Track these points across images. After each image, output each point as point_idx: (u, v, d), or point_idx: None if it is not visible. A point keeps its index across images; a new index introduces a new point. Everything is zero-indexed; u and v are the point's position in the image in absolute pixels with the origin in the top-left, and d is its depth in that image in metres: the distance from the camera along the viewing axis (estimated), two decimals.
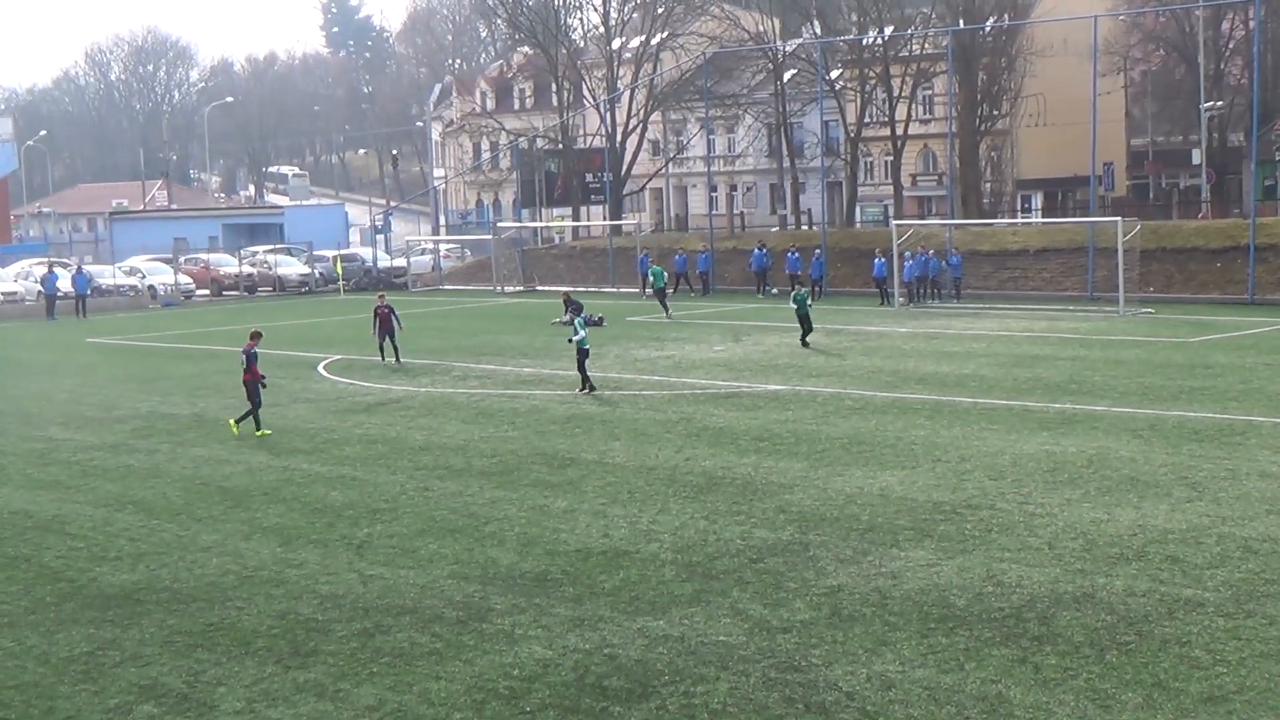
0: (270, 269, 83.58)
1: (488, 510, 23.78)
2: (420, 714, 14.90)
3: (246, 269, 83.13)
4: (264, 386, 32.63)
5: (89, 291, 71.84)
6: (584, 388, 36.26)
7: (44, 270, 74.57)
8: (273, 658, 16.85)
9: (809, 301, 46.61)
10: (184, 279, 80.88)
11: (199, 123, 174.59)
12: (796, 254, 67.67)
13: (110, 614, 18.86)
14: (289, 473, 27.64)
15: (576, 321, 37.37)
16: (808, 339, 45.60)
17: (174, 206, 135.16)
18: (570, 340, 37.09)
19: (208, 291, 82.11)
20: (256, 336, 33.55)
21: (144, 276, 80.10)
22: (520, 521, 22.92)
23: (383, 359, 44.08)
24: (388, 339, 44.03)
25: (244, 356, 32.70)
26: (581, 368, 36.54)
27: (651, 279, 62.10)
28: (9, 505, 25.78)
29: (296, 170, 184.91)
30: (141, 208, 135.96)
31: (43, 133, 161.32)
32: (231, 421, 32.46)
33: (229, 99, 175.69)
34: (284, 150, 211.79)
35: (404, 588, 19.47)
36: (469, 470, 27.25)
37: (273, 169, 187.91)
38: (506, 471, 26.99)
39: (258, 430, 31.99)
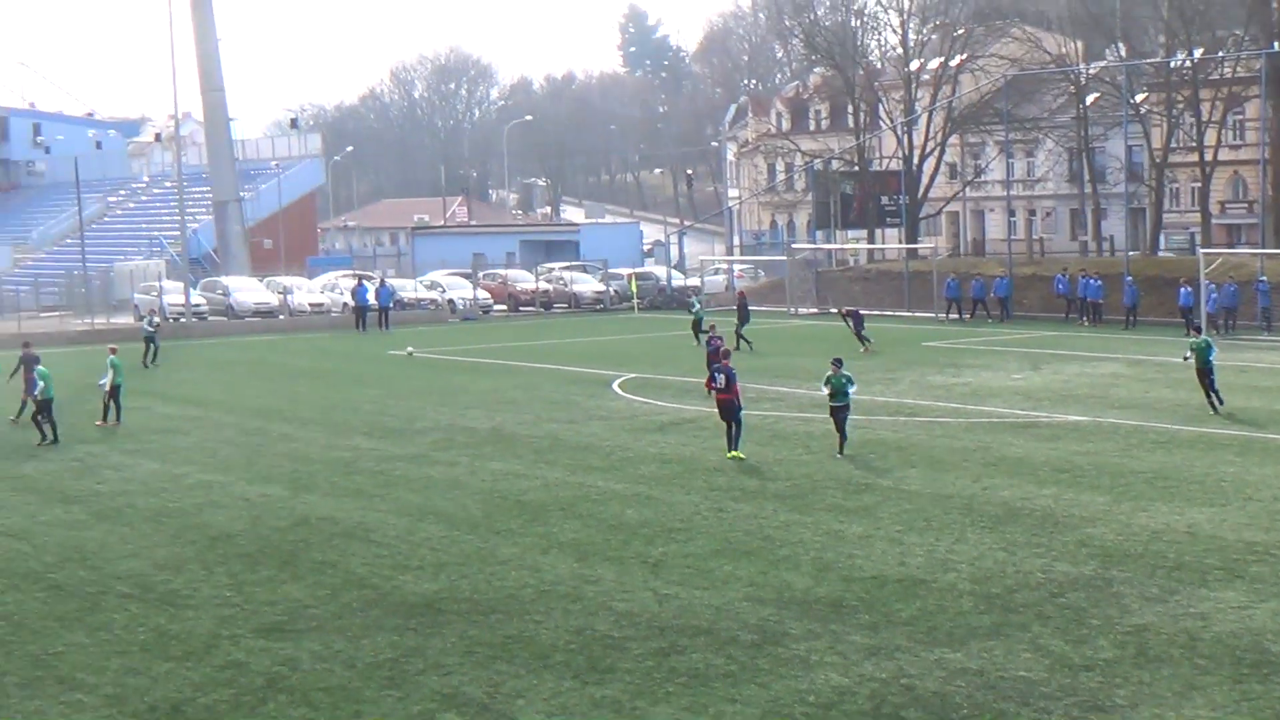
0: (566, 286, 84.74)
1: (782, 533, 23.71)
2: None
3: (543, 285, 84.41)
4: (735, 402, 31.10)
5: (392, 304, 73.75)
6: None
7: (352, 283, 76.74)
8: (570, 672, 17.02)
9: (1212, 354, 36.41)
10: (482, 294, 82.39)
11: (498, 140, 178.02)
12: (1098, 281, 66.16)
13: (413, 622, 19.27)
14: (585, 489, 27.93)
15: (841, 378, 31.18)
16: (1217, 402, 36.20)
17: (473, 222, 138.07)
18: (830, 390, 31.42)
19: (505, 307, 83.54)
20: (727, 354, 33.64)
21: (444, 290, 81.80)
22: (815, 546, 22.79)
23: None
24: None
25: (721, 375, 31.13)
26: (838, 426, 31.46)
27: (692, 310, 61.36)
28: (316, 512, 26.56)
29: (541, 181, 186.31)
30: (442, 223, 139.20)
31: (349, 149, 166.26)
32: (730, 452, 30.92)
33: (528, 117, 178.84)
34: (580, 168, 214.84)
35: (699, 608, 19.51)
36: (763, 493, 27.21)
37: (527, 181, 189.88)
38: (801, 495, 26.88)
39: (730, 452, 30.95)
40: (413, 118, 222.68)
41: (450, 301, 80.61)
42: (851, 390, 31.40)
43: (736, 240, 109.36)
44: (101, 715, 16.07)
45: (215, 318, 78.00)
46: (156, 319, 58.80)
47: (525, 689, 16.49)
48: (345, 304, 76.41)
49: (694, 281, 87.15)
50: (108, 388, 38.67)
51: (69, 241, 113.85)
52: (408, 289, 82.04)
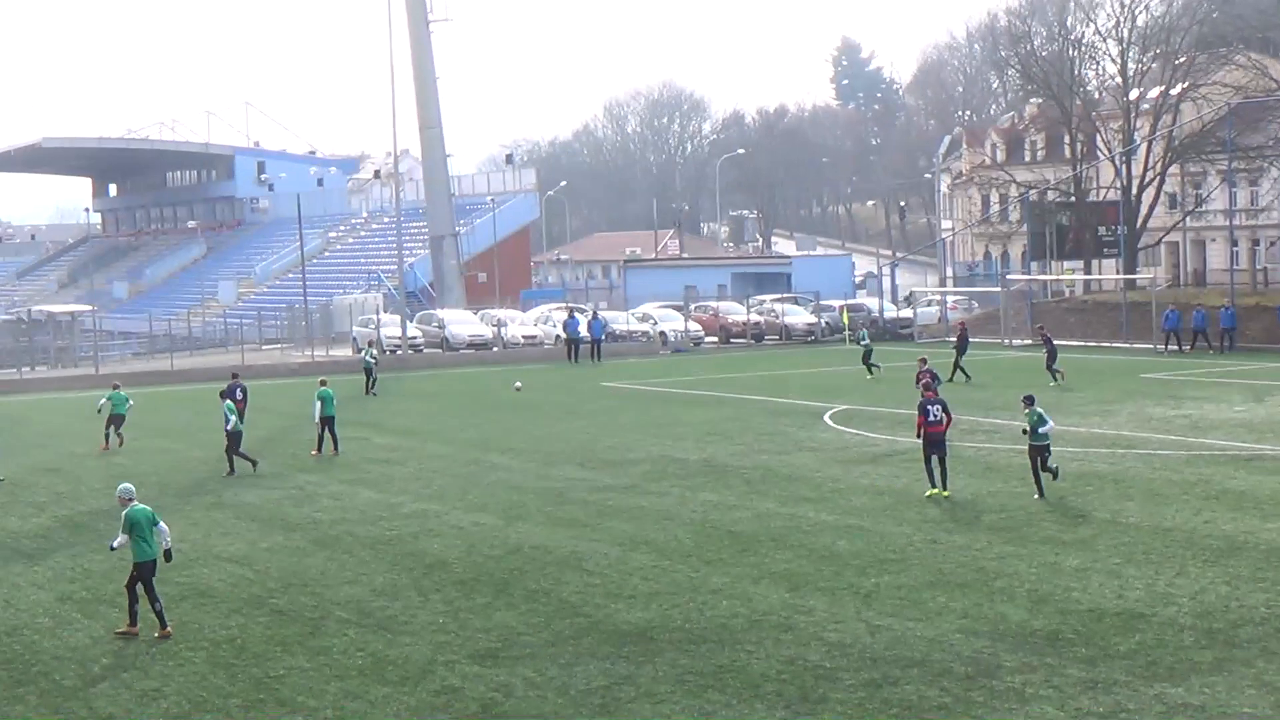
0: (778, 318, 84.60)
1: (997, 565, 23.39)
2: None
3: (754, 317, 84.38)
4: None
5: (604, 336, 74.31)
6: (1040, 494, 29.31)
7: (564, 315, 77.52)
8: (782, 703, 16.97)
9: None
10: (694, 326, 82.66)
11: (710, 174, 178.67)
12: None
13: (625, 650, 19.36)
14: (796, 520, 27.83)
15: (1034, 415, 29.48)
16: None
17: (684, 255, 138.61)
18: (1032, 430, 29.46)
19: (716, 339, 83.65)
20: (928, 387, 31.42)
21: (655, 323, 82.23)
22: (1030, 578, 22.45)
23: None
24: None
25: (935, 407, 29.75)
26: (1035, 468, 29.69)
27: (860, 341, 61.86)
28: (529, 540, 26.82)
29: (752, 214, 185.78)
30: (653, 256, 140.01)
31: (563, 183, 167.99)
32: (935, 490, 29.72)
33: (740, 150, 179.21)
34: (792, 201, 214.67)
35: (912, 640, 19.33)
36: (978, 524, 26.89)
37: (738, 214, 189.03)
38: (1016, 527, 26.50)
39: (935, 490, 29.73)
40: (625, 152, 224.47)
41: (662, 334, 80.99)
42: (1045, 428, 29.18)
43: (949, 271, 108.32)
44: None
45: (431, 350, 79.37)
46: (375, 351, 60.13)
47: (736, 718, 16.47)
48: (558, 336, 77.18)
49: (906, 313, 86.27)
50: (317, 419, 39.54)
51: (290, 276, 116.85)
52: (619, 321, 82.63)
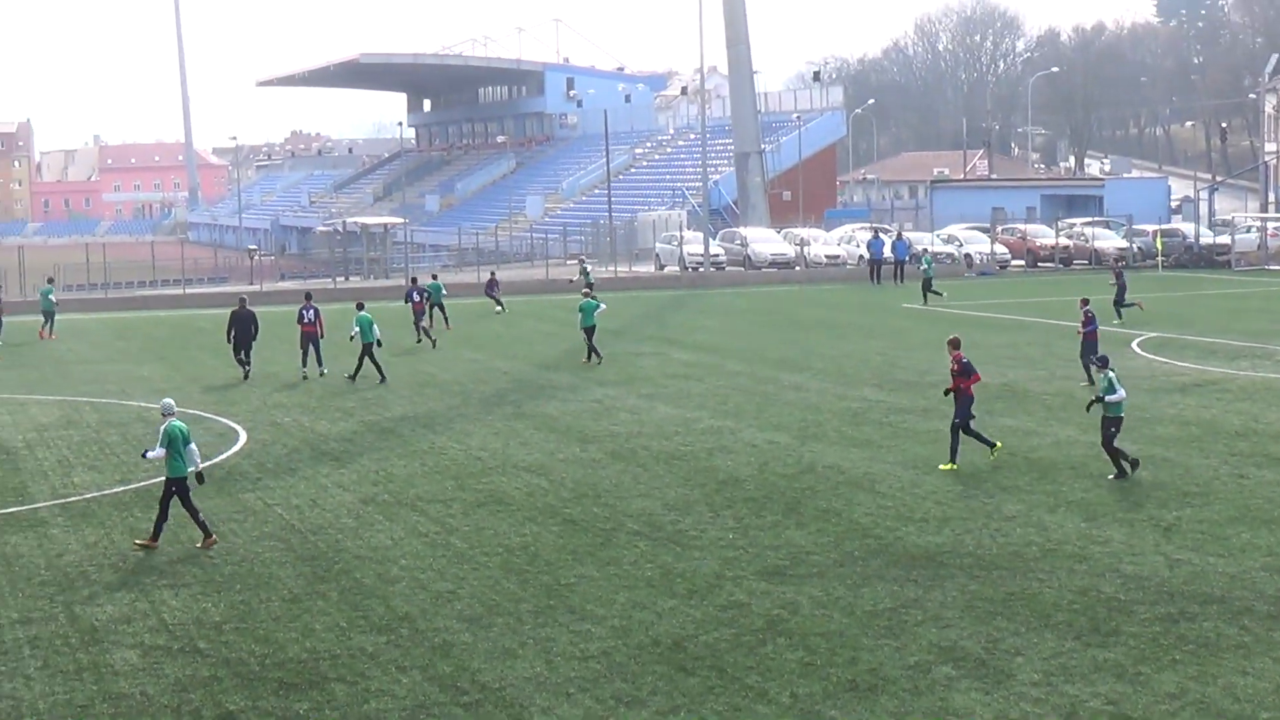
0: (1087, 241, 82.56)
1: None
2: (1223, 708, 14.30)
3: (1063, 240, 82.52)
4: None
5: (908, 258, 73.44)
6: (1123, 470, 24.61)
7: (868, 235, 76.84)
8: (1072, 633, 16.64)
9: None
10: (1000, 248, 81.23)
11: (1022, 93, 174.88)
12: None
13: (914, 573, 19.19)
14: (1096, 449, 26.88)
15: (1104, 380, 24.94)
16: None
17: (993, 176, 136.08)
18: (1101, 399, 24.76)
19: (1023, 262, 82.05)
20: (954, 344, 26.18)
21: (961, 245, 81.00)
22: None
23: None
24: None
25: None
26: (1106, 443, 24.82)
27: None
28: (823, 460, 26.73)
29: (1065, 134, 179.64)
30: (961, 176, 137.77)
31: (871, 101, 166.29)
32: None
33: (1054, 69, 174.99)
34: (1106, 122, 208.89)
35: (1212, 575, 18.76)
36: None
37: (1050, 134, 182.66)
38: None
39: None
40: (936, 70, 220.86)
41: (967, 255, 79.73)
42: (1114, 397, 24.48)
43: (1271, 196, 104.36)
44: (607, 646, 16.61)
45: (733, 268, 79.46)
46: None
47: (1024, 646, 16.21)
48: (861, 256, 76.58)
49: (1224, 239, 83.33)
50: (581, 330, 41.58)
51: (596, 192, 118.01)
52: (924, 242, 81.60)
